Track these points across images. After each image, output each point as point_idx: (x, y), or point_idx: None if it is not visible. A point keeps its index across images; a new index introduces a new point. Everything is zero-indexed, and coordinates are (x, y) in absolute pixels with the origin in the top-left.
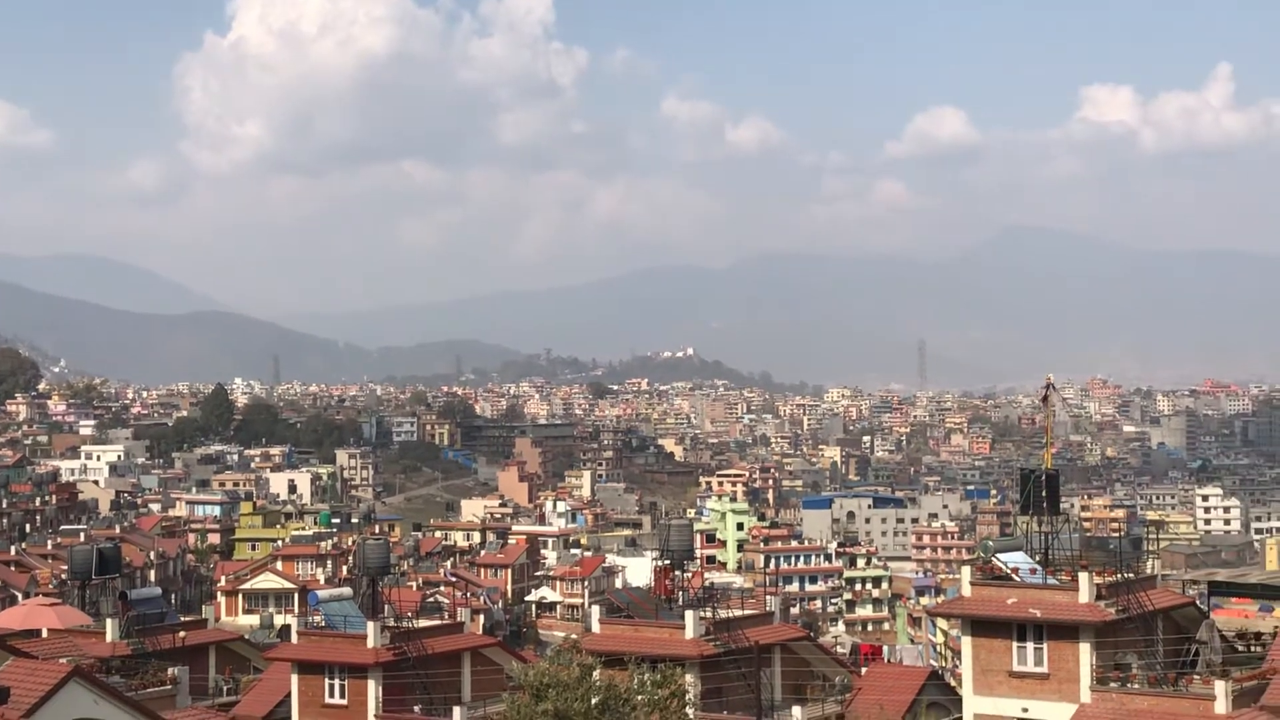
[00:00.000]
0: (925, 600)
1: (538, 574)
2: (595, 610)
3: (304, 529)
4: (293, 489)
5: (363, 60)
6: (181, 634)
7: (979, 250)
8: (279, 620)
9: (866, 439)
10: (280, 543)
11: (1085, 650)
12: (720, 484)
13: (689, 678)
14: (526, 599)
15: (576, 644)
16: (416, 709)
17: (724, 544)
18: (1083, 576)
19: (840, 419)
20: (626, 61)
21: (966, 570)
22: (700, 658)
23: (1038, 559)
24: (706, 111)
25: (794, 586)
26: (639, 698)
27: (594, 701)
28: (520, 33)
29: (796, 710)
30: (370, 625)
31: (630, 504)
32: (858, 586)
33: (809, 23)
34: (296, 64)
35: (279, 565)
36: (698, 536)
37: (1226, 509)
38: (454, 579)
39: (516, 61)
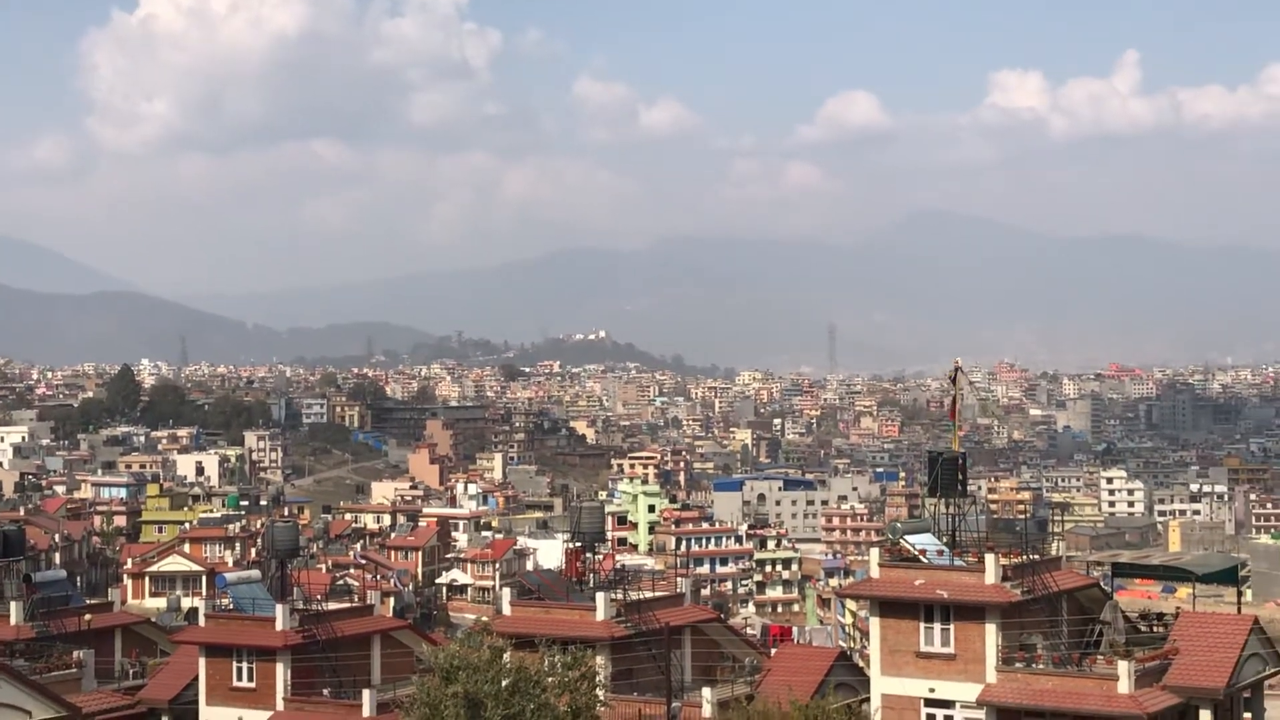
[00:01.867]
0: (834, 582)
1: (448, 556)
2: (506, 592)
3: (212, 511)
4: (200, 471)
5: (273, 39)
6: (87, 617)
7: (889, 234)
8: (186, 603)
9: (777, 422)
10: (188, 525)
11: (991, 631)
12: (632, 466)
13: (600, 659)
14: (437, 581)
15: (487, 626)
16: (325, 692)
17: (635, 526)
18: (989, 558)
19: (751, 402)
20: (539, 43)
21: (875, 552)
22: (611, 639)
23: (945, 541)
24: (619, 93)
25: (705, 568)
26: (549, 679)
27: (504, 684)
28: (433, 13)
29: (706, 691)
30: (279, 608)
31: (542, 486)
32: (768, 568)
33: (720, 6)
34: (206, 42)
35: (186, 548)
36: (609, 519)
37: (1130, 491)
38: (364, 561)
39: (429, 42)
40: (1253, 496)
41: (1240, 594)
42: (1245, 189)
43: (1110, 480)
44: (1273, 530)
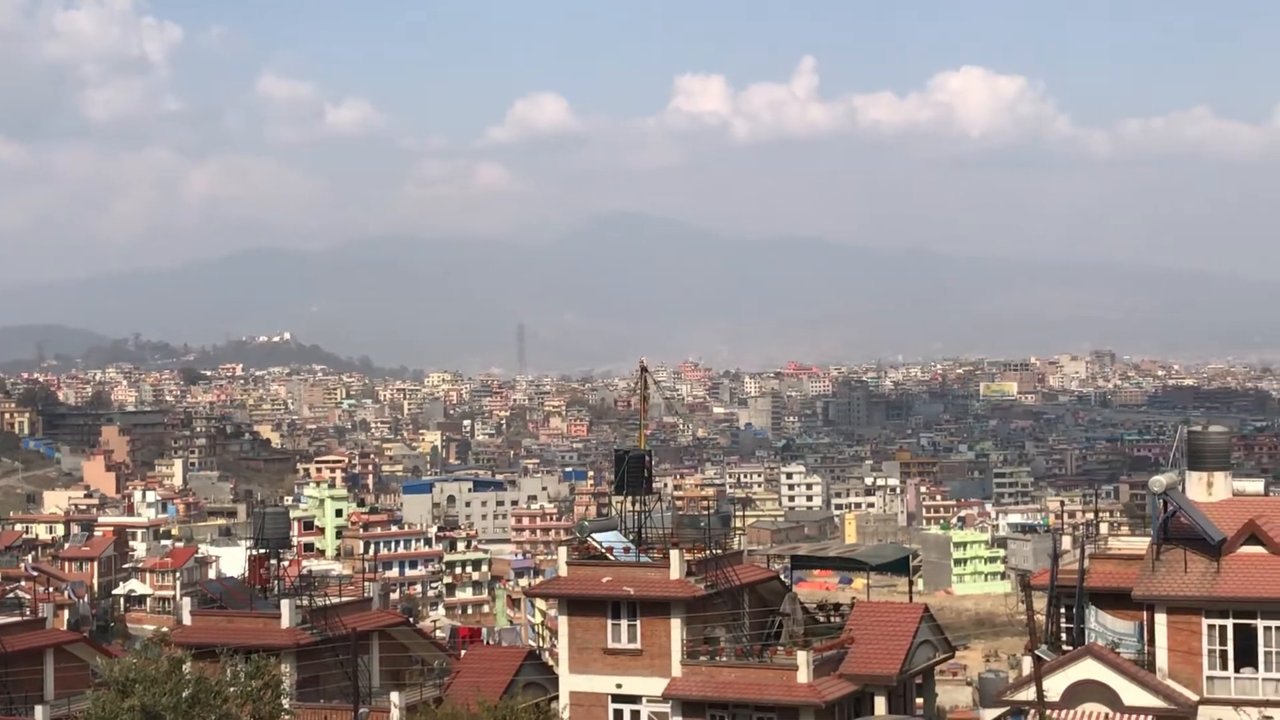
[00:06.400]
0: (524, 581)
1: (126, 566)
2: (187, 602)
3: None
4: None
5: None
6: None
7: (577, 235)
8: None
9: (467, 423)
10: None
11: (676, 625)
12: (319, 470)
13: (284, 667)
14: (115, 592)
15: (165, 637)
16: None
17: (322, 531)
18: (674, 554)
19: (441, 403)
20: (222, 38)
21: (563, 550)
22: (296, 646)
23: (631, 537)
24: (305, 92)
25: (394, 572)
26: (231, 690)
27: (184, 695)
28: (109, 7)
29: (394, 695)
30: None
31: (224, 492)
32: (458, 570)
33: (408, 5)
34: None
35: None
36: (295, 524)
37: (809, 486)
38: (35, 573)
39: (105, 36)
40: (923, 489)
41: (912, 583)
42: (916, 194)
43: (790, 475)
44: (941, 521)
